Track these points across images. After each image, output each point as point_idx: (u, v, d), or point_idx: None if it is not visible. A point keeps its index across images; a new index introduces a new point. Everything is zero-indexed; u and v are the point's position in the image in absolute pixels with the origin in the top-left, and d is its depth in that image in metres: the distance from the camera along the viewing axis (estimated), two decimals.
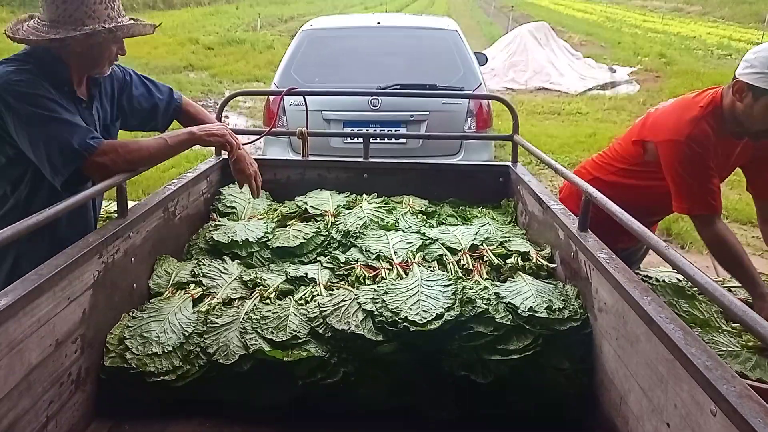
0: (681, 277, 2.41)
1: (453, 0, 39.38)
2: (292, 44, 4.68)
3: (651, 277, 2.40)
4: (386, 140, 4.16)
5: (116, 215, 1.75)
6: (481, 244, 1.99)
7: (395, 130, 4.22)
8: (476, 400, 1.59)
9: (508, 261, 1.89)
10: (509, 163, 2.67)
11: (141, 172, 1.94)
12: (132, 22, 1.80)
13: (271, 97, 4.39)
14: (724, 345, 1.91)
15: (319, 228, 2.20)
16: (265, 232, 2.16)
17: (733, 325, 2.11)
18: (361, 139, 4.24)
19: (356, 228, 2.20)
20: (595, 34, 19.52)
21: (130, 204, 1.85)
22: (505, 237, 2.07)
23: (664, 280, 2.36)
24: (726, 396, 0.93)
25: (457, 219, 2.43)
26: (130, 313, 1.70)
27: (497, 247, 1.99)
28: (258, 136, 2.52)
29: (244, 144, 2.49)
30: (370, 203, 2.42)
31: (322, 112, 4.23)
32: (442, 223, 2.36)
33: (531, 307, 1.58)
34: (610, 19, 26.57)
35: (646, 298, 1.28)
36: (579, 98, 9.98)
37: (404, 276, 1.80)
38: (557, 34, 18.17)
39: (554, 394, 1.57)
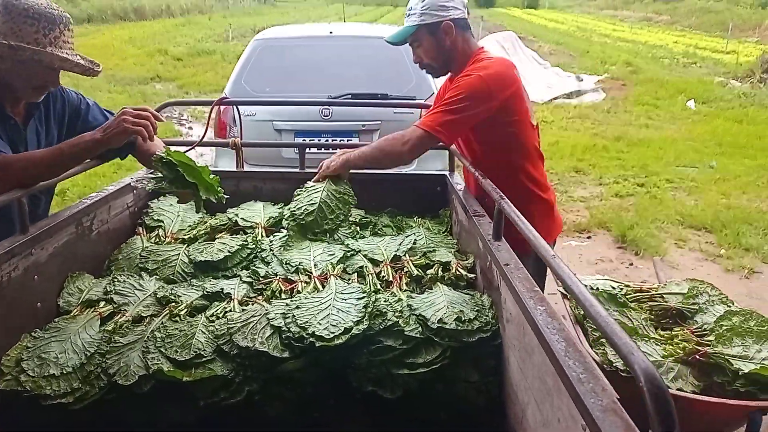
0: (614, 285, 2.42)
1: None
2: (244, 53, 4.64)
3: (585, 285, 2.39)
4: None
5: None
6: (404, 255, 1.96)
7: (347, 140, 4.19)
8: (386, 415, 1.55)
9: (429, 272, 1.86)
10: (446, 172, 2.65)
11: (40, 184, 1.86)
12: (67, 55, 1.74)
13: (223, 107, 4.33)
14: (647, 355, 1.89)
15: (246, 241, 2.15)
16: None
17: (662, 333, 2.11)
18: (314, 149, 4.24)
19: (283, 240, 2.15)
20: (565, 43, 19.80)
21: None
22: (430, 247, 2.04)
23: (598, 288, 2.36)
24: (591, 410, 0.90)
25: (392, 229, 2.40)
26: (32, 334, 1.63)
27: (420, 257, 1.96)
28: (189, 147, 2.46)
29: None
30: None
31: (273, 122, 4.19)
32: (377, 234, 2.33)
33: (441, 318, 1.55)
34: (580, 28, 26.97)
35: (539, 308, 1.25)
36: (545, 107, 10.07)
37: (321, 289, 1.76)
38: (528, 44, 18.41)
39: (464, 407, 1.54)
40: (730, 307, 2.15)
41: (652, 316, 2.19)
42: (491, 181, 2.28)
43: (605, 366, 1.93)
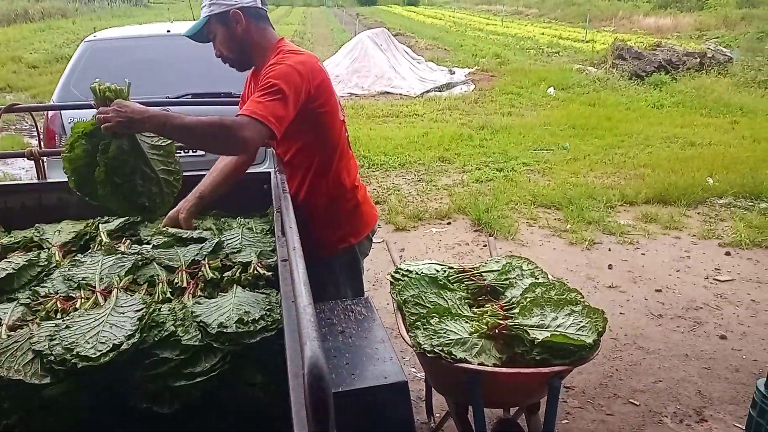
0: (438, 268, 2.47)
1: (309, 9, 39.52)
2: (73, 57, 4.31)
3: (411, 271, 2.42)
4: (182, 153, 3.94)
5: None
6: (203, 259, 1.87)
7: None
8: (171, 430, 1.46)
9: (226, 274, 1.78)
10: (272, 170, 2.59)
11: None
12: None
13: (50, 114, 4.01)
14: (453, 333, 1.94)
15: (36, 258, 1.96)
16: None
17: (476, 310, 2.17)
18: None
19: (80, 256, 1.99)
20: (440, 38, 20.41)
21: None
22: (236, 248, 1.96)
23: (423, 272, 2.39)
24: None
25: (214, 232, 2.30)
26: None
27: (222, 259, 1.88)
28: None
29: None
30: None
31: None
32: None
33: (221, 323, 1.48)
34: (457, 24, 27.93)
35: (292, 299, 1.22)
36: (417, 100, 10.30)
37: (102, 304, 1.63)
38: (406, 40, 18.79)
39: (254, 410, 1.49)
40: (537, 279, 2.26)
41: (469, 295, 2.26)
42: (301, 179, 2.26)
43: (414, 349, 1.96)
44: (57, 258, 2.04)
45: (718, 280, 4.00)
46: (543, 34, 22.24)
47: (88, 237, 2.20)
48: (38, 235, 2.20)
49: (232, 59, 2.16)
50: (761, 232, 4.67)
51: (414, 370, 3.03)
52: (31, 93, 11.25)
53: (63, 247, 2.12)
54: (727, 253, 4.40)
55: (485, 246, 4.47)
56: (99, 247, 2.10)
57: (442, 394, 2.25)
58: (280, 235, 1.67)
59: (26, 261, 1.92)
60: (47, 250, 2.09)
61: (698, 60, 12.01)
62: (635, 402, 2.80)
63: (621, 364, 3.08)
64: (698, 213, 5.19)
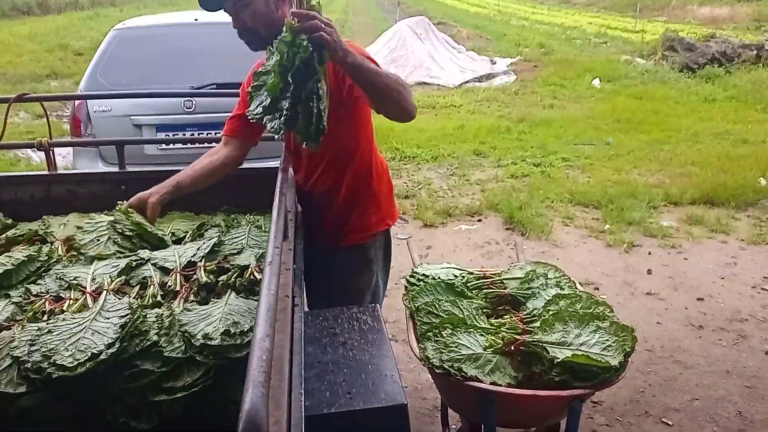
0: (457, 273, 2.32)
1: None
2: (101, 46, 4.31)
3: (427, 276, 2.29)
4: (204, 144, 3.88)
5: None
6: (200, 261, 1.77)
7: (215, 133, 3.95)
8: None
9: (221, 278, 1.68)
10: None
11: None
12: None
13: (77, 103, 4.01)
14: (465, 348, 1.79)
15: (37, 252, 1.91)
16: None
17: (494, 321, 2.02)
18: (177, 144, 3.98)
19: (83, 251, 1.92)
20: (483, 27, 19.96)
21: None
22: (235, 248, 1.86)
23: (440, 277, 2.26)
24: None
25: (221, 230, 2.21)
26: None
27: (220, 261, 1.78)
28: None
29: None
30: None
31: (132, 117, 3.90)
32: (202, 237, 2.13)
33: (207, 334, 1.38)
34: (501, 12, 27.31)
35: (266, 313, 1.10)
36: (455, 91, 10.06)
37: (90, 307, 1.55)
38: (447, 28, 18.44)
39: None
40: (562, 290, 2.09)
41: (488, 304, 2.11)
42: (339, 169, 2.13)
43: (423, 363, 1.83)
44: (60, 253, 1.99)
45: (766, 290, 3.71)
46: (591, 23, 21.50)
47: None
48: (44, 228, 2.16)
49: (257, 35, 1.99)
50: None
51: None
52: (76, 80, 11.48)
53: (67, 241, 2.07)
54: None
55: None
56: None
57: (454, 411, 2.11)
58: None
59: (25, 256, 1.86)
60: (50, 244, 2.04)
61: (755, 52, 11.34)
62: (668, 422, 2.59)
63: (655, 378, 2.87)
64: (748, 216, 4.86)
